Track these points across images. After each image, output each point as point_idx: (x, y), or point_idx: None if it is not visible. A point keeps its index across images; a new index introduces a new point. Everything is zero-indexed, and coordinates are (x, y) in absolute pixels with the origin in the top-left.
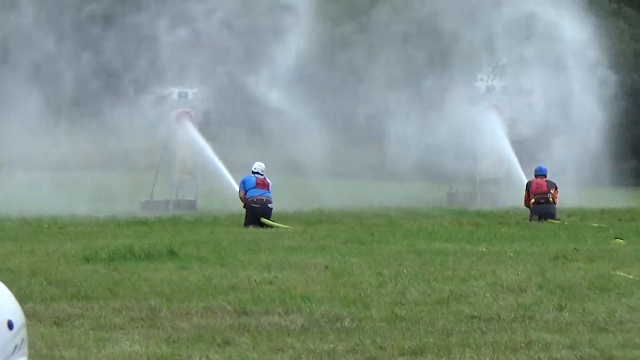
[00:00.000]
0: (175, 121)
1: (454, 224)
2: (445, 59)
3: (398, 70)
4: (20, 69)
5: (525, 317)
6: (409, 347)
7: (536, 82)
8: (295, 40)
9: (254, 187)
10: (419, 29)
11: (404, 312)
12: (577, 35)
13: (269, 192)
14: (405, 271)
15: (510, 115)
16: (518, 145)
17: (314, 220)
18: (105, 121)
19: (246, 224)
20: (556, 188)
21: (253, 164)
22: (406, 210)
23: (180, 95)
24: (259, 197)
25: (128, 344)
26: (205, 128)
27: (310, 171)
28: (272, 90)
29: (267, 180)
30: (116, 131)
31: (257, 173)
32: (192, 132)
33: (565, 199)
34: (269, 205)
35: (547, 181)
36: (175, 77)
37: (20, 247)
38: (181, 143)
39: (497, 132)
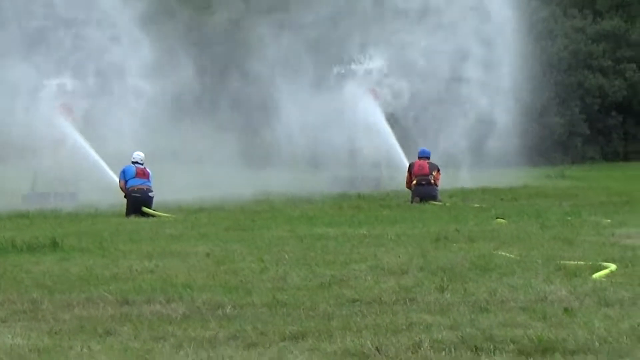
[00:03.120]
0: (58, 114)
1: (335, 209)
2: (321, 43)
3: (279, 56)
4: None
5: (407, 299)
6: (289, 332)
7: (419, 63)
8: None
9: (134, 177)
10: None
11: (286, 297)
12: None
13: (149, 181)
14: (286, 257)
15: (390, 98)
16: (401, 128)
17: (195, 209)
18: None
19: (127, 214)
20: (438, 170)
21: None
22: (288, 197)
23: (58, 87)
24: (139, 187)
25: (10, 337)
26: (85, 119)
27: (191, 159)
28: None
29: (147, 169)
30: None
31: (137, 162)
32: (69, 128)
33: (448, 180)
34: (150, 194)
35: (430, 163)
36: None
37: None
38: (59, 137)
39: (376, 115)
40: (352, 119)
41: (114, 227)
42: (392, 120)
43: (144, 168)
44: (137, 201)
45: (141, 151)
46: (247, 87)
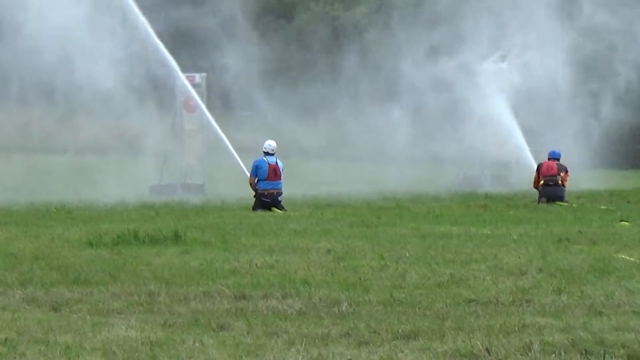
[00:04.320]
0: (184, 106)
1: (461, 207)
2: (454, 44)
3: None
4: None
5: (523, 301)
6: (402, 331)
7: (544, 64)
8: None
9: (265, 179)
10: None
11: (402, 295)
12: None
13: (280, 182)
14: (407, 254)
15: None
16: (527, 130)
17: (322, 204)
18: (115, 105)
19: (254, 209)
20: (566, 171)
21: (263, 143)
22: (415, 194)
23: (188, 79)
24: (270, 191)
25: (124, 328)
26: (213, 112)
27: (317, 154)
28: None
29: (279, 164)
30: (127, 115)
31: (268, 154)
32: (202, 117)
33: (575, 182)
34: (279, 198)
35: (558, 164)
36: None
37: (25, 232)
38: (189, 128)
39: (504, 115)
40: (481, 117)
41: (238, 221)
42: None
43: (276, 164)
44: (266, 205)
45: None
46: (374, 82)
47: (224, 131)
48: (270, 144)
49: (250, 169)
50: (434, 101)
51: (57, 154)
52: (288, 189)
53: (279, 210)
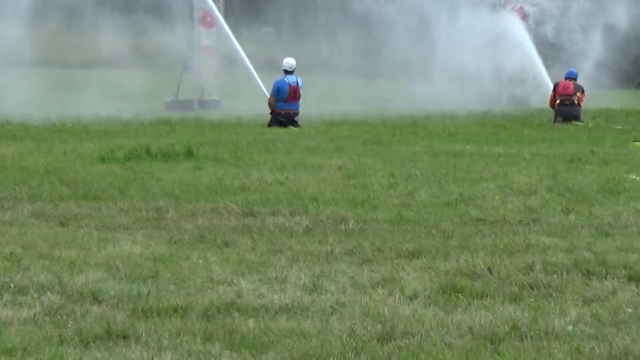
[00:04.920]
0: (201, 21)
1: (476, 126)
2: None
3: None
4: None
5: (530, 220)
6: (406, 249)
7: None
8: None
9: (285, 100)
10: None
11: (410, 214)
12: None
13: (298, 103)
14: (418, 173)
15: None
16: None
17: (338, 121)
18: (132, 18)
19: (270, 125)
20: (583, 91)
21: (282, 60)
22: (431, 112)
23: None
24: (287, 111)
25: (129, 244)
26: (231, 28)
27: (337, 70)
28: None
29: (299, 83)
30: (143, 29)
31: (288, 72)
32: (220, 32)
33: (592, 101)
34: (296, 118)
35: (575, 84)
36: None
37: (39, 146)
38: (207, 44)
39: (521, 33)
40: (498, 36)
41: (252, 138)
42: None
43: (297, 84)
44: (282, 123)
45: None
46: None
47: (243, 47)
48: (288, 61)
49: (269, 88)
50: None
51: (75, 68)
52: (306, 106)
53: (294, 128)
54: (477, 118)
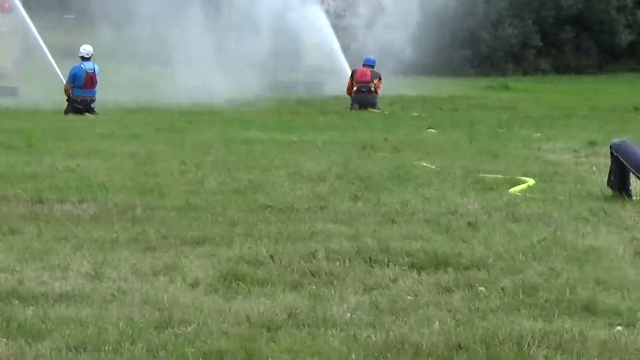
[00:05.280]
0: None
1: (272, 114)
2: None
3: None
4: None
5: (319, 208)
6: (191, 237)
7: None
8: None
9: (82, 87)
10: None
11: (198, 201)
12: None
13: (94, 90)
14: (208, 160)
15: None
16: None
17: (135, 108)
18: None
19: (66, 112)
20: (380, 79)
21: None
22: (228, 99)
23: None
24: (84, 98)
25: None
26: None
27: (134, 59)
28: None
29: (96, 70)
30: None
31: (85, 58)
32: (18, 18)
33: (389, 88)
34: (92, 105)
35: (372, 71)
36: None
37: None
38: (4, 30)
39: (321, 22)
40: (297, 23)
41: (47, 125)
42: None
43: (93, 71)
44: (78, 110)
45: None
46: None
47: (43, 34)
48: (85, 48)
49: (66, 74)
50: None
51: None
52: (102, 93)
53: (90, 115)
54: (272, 106)
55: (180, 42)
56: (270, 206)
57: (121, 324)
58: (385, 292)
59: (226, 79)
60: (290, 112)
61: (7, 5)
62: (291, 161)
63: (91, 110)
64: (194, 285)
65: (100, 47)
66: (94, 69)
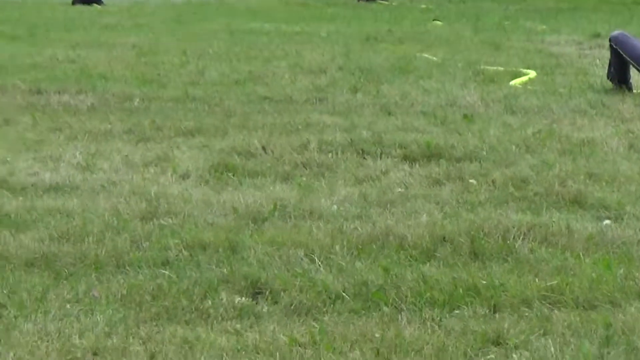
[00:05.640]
0: None
1: (281, 4)
2: None
3: None
4: None
5: (317, 99)
6: (185, 128)
7: None
8: None
9: None
10: None
11: (197, 92)
12: None
13: None
14: (210, 51)
15: None
16: None
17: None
18: None
19: (74, 3)
20: None
21: None
22: None
23: None
24: None
25: None
26: None
27: None
28: None
29: None
30: None
31: None
32: None
33: None
34: None
35: None
36: None
37: None
38: None
39: None
40: None
41: (52, 15)
42: None
43: None
44: (86, 1)
45: None
46: None
47: None
48: None
49: None
50: None
51: None
52: None
53: (97, 6)
54: None
55: None
56: (268, 97)
57: (107, 214)
58: (376, 184)
59: None
60: (298, 3)
61: None
62: (293, 52)
63: (98, 1)
64: (185, 176)
65: None
66: None
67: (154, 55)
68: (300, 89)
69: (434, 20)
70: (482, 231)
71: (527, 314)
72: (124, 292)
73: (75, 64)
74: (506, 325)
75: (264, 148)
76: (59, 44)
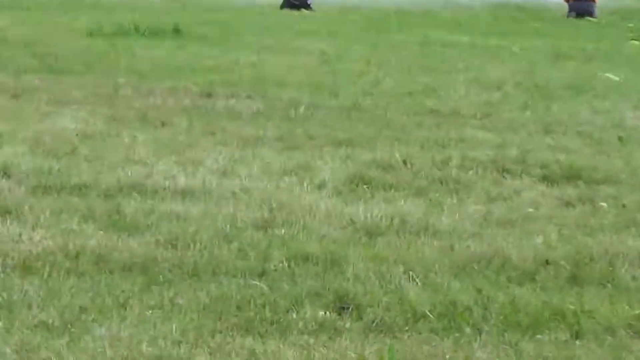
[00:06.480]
0: None
1: (489, 17)
2: None
3: None
4: None
5: (483, 114)
6: (336, 138)
7: None
8: None
9: None
10: None
11: (367, 102)
12: None
13: None
14: (393, 61)
15: None
16: None
17: (355, 7)
18: None
19: (282, 7)
20: None
21: None
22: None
23: None
24: None
25: (68, 119)
26: None
27: None
28: None
29: None
30: None
31: None
32: None
33: None
34: (308, 0)
35: None
36: None
37: (32, 18)
38: None
39: None
40: None
41: (254, 19)
42: None
43: None
44: (294, 6)
45: None
46: None
47: None
48: None
49: None
50: None
51: None
52: None
53: (305, 11)
54: (492, 9)
55: None
56: (435, 110)
57: (223, 222)
58: (506, 203)
59: None
60: (507, 17)
61: None
62: (475, 66)
63: (307, 7)
64: (320, 187)
65: None
66: None
67: (337, 63)
68: (469, 104)
69: (632, 40)
70: (589, 256)
71: (608, 341)
72: (208, 301)
73: (254, 69)
74: (581, 352)
75: (404, 162)
76: (247, 48)
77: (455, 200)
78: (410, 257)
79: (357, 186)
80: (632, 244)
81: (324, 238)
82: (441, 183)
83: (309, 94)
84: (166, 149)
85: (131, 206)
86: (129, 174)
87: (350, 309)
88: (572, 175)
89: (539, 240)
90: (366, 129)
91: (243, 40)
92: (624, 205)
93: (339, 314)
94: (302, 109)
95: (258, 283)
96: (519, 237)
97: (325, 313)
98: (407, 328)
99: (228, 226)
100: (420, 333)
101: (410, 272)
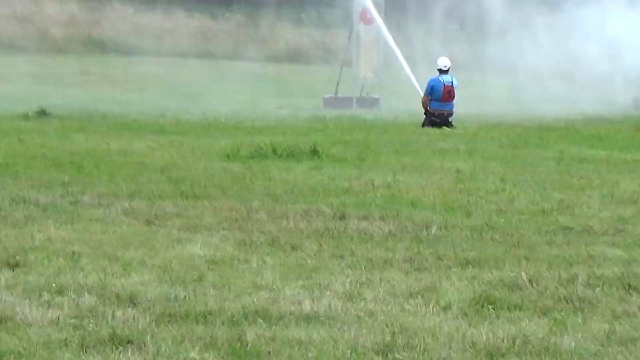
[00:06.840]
0: (360, 17)
1: (630, 131)
2: None
3: None
4: None
5: (616, 231)
6: (465, 258)
7: None
8: None
9: (439, 100)
10: None
11: (499, 221)
12: None
13: (452, 103)
14: (529, 178)
15: None
16: None
17: (493, 123)
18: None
19: (424, 125)
20: None
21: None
22: (588, 115)
23: None
24: (441, 112)
25: (198, 245)
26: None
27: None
28: None
29: (454, 83)
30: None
31: (443, 71)
32: (378, 30)
33: None
34: (449, 119)
35: None
36: None
37: (171, 142)
38: (366, 40)
39: None
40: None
41: (394, 137)
42: None
43: (451, 84)
44: (436, 124)
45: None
46: None
47: (400, 44)
48: (443, 61)
49: (423, 86)
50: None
51: (239, 60)
52: (463, 106)
53: (447, 129)
54: (633, 123)
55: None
56: (568, 228)
57: (343, 347)
58: (631, 320)
59: (586, 92)
60: None
61: (368, 17)
62: (610, 181)
63: (449, 124)
64: (445, 308)
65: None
66: (451, 82)
67: (472, 182)
68: (603, 220)
69: None
70: None
71: None
72: None
73: (389, 189)
74: None
75: (530, 281)
76: (383, 169)
77: (579, 319)
78: None
79: (482, 307)
80: None
81: None
82: (566, 302)
83: (442, 214)
84: (294, 273)
85: (254, 333)
86: (255, 300)
87: None
88: None
89: None
90: (496, 248)
91: (380, 160)
92: None
93: None
94: (433, 229)
95: None
96: (632, 356)
97: None
98: None
99: (349, 352)
100: None
101: None
